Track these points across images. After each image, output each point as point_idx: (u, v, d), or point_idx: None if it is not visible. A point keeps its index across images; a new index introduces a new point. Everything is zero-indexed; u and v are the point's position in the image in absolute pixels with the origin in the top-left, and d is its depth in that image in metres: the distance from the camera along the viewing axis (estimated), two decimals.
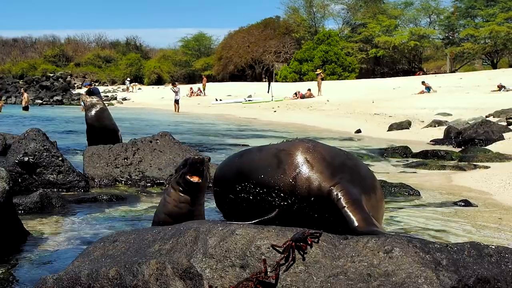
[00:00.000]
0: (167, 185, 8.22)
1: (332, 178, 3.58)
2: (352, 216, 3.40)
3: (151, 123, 26.55)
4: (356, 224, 3.38)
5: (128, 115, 32.25)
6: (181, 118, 31.56)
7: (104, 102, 12.46)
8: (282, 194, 3.62)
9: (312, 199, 3.58)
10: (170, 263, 3.09)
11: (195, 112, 38.73)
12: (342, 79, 61.26)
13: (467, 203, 7.31)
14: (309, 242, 2.96)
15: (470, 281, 2.89)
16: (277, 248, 2.98)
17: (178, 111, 38.98)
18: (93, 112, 11.50)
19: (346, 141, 17.48)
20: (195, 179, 4.22)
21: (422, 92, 35.70)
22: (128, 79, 75.87)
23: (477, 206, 7.26)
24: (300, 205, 3.62)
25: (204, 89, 55.63)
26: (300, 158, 3.65)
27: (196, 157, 4.27)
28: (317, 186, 3.56)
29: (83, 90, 37.21)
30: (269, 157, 3.71)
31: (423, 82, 37.50)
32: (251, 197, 3.69)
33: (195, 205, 4.61)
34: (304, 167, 3.61)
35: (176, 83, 47.39)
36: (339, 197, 3.47)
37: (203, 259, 3.08)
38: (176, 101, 39.70)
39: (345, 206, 3.44)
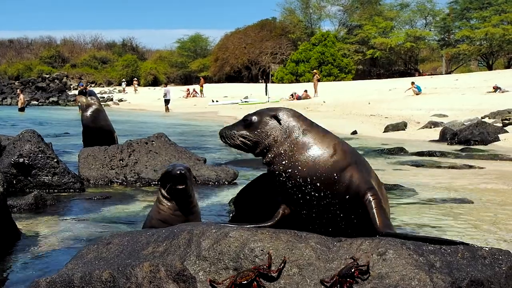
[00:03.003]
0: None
1: (367, 180, 3.77)
2: (377, 219, 3.62)
3: (147, 125, 26.51)
4: (378, 225, 3.58)
5: (124, 117, 32.20)
6: (177, 120, 31.52)
7: (101, 103, 12.42)
8: (317, 184, 3.64)
9: (347, 197, 3.67)
10: (164, 265, 3.08)
11: (191, 112, 38.71)
12: (338, 80, 61.32)
13: (462, 201, 7.36)
14: (356, 275, 2.93)
15: (463, 283, 2.89)
16: (325, 284, 2.95)
17: (167, 110, 39.67)
18: (88, 113, 11.46)
19: None
20: (180, 186, 4.63)
21: (416, 93, 35.71)
22: (124, 80, 75.73)
23: (472, 203, 7.30)
24: (331, 201, 3.67)
25: (201, 91, 55.56)
26: (352, 157, 3.78)
27: (178, 171, 4.63)
28: (356, 186, 3.68)
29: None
30: (327, 142, 3.77)
31: (412, 83, 37.41)
32: (284, 175, 3.69)
33: (190, 208, 4.74)
34: (353, 167, 3.73)
35: (172, 84, 47.69)
36: (371, 200, 3.67)
37: (197, 262, 3.07)
38: (166, 101, 40.64)
39: (374, 208, 3.65)
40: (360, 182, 3.69)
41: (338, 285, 2.91)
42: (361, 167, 3.81)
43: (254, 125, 3.86)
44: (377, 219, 3.61)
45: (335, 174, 3.64)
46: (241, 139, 3.88)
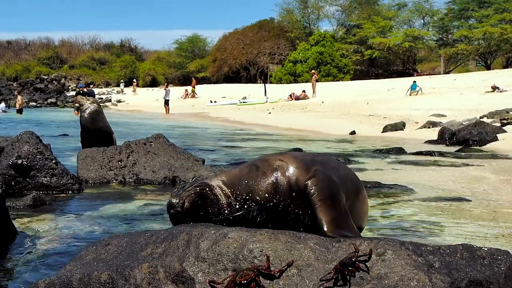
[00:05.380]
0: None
1: (308, 171, 3.72)
2: (322, 218, 3.55)
3: (145, 127, 26.51)
4: (325, 228, 3.53)
5: (122, 118, 32.18)
6: (175, 121, 31.52)
7: (100, 104, 12.41)
8: (266, 195, 3.70)
9: (294, 194, 3.68)
10: (163, 267, 3.08)
11: (189, 113, 38.71)
12: (337, 81, 61.35)
13: (461, 199, 7.38)
14: (357, 266, 2.95)
15: (462, 283, 2.89)
16: (326, 278, 2.96)
17: (168, 112, 39.53)
18: (87, 114, 11.46)
19: (340, 143, 17.50)
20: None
21: (415, 93, 35.81)
22: (122, 81, 75.70)
23: (471, 201, 7.32)
24: (284, 203, 3.70)
25: (193, 91, 55.42)
26: (274, 159, 3.85)
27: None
28: (295, 180, 3.69)
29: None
30: (246, 167, 3.91)
31: (414, 82, 37.60)
32: (237, 206, 3.76)
33: None
34: (281, 165, 3.78)
35: (171, 84, 47.55)
36: (313, 192, 3.61)
37: (196, 263, 3.07)
38: (166, 102, 40.42)
39: (318, 204, 3.58)
40: (298, 175, 3.70)
41: (339, 274, 2.92)
42: (289, 160, 3.81)
43: (187, 185, 3.89)
44: (323, 219, 3.54)
45: (273, 181, 3.72)
46: (191, 194, 3.73)
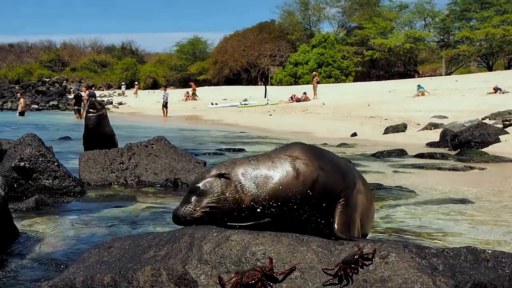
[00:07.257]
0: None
1: (338, 182, 3.71)
2: (337, 220, 3.61)
3: (147, 129, 26.50)
4: (335, 228, 3.59)
5: (123, 120, 32.18)
6: (176, 123, 31.51)
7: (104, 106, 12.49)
8: (295, 207, 3.61)
9: (324, 204, 3.64)
10: (165, 269, 3.08)
11: (190, 115, 38.72)
12: (338, 82, 61.38)
13: (463, 201, 7.36)
14: (360, 263, 2.95)
15: (466, 286, 2.88)
16: (329, 272, 2.96)
17: (166, 115, 39.20)
18: (95, 118, 11.52)
19: (342, 145, 17.47)
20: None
21: (422, 93, 35.80)
22: (123, 83, 75.78)
23: (473, 203, 7.31)
24: (311, 213, 3.64)
25: (194, 93, 55.38)
26: (316, 165, 3.69)
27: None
28: (330, 192, 3.65)
29: (83, 94, 36.83)
30: (284, 166, 3.69)
31: (418, 85, 37.62)
32: (259, 209, 3.61)
33: None
34: (321, 174, 3.66)
35: (172, 87, 47.39)
36: (343, 201, 3.66)
37: (198, 265, 3.07)
38: (164, 105, 40.04)
39: (340, 209, 3.64)
40: (333, 187, 3.65)
41: (342, 272, 2.92)
42: (329, 169, 3.72)
43: (207, 191, 3.63)
44: (336, 221, 3.59)
45: (308, 191, 3.59)
46: (203, 210, 3.60)
